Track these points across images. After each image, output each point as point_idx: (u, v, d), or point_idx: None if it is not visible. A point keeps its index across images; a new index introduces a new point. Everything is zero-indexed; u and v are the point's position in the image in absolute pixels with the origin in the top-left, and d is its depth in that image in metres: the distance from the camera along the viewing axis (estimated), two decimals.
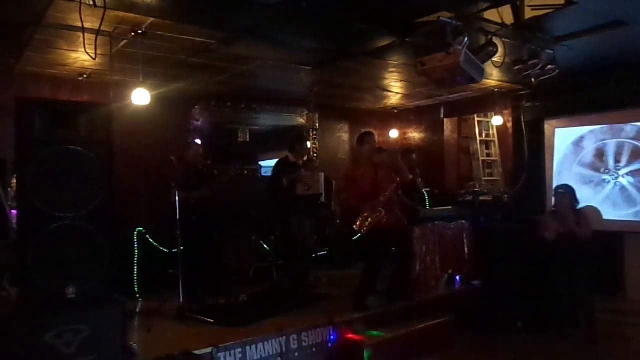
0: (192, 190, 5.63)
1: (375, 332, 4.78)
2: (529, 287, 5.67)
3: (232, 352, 4.06)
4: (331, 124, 9.14)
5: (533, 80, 5.56)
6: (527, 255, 5.74)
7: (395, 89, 7.80)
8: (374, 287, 5.33)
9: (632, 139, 6.66)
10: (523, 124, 7.80)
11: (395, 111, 9.62)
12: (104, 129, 3.61)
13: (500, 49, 4.75)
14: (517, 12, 4.60)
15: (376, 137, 5.94)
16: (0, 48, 5.13)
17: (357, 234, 6.90)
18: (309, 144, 8.56)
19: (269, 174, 6.74)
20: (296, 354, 4.43)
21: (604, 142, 6.95)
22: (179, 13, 4.35)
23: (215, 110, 7.62)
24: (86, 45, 4.10)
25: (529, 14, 4.63)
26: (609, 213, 6.81)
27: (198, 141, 6.79)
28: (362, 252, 6.31)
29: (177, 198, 5.17)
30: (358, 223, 5.18)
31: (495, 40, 4.70)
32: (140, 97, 5.17)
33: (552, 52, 5.26)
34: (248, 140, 8.07)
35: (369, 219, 5.13)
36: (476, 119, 9.18)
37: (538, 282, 5.64)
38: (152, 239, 6.20)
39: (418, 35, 4.92)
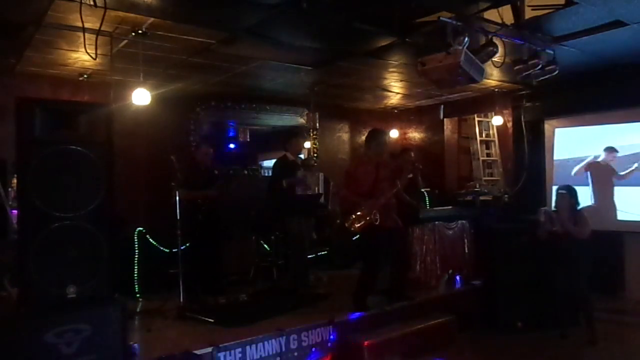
0: (199, 189, 5.63)
1: None
2: (528, 287, 5.67)
3: (232, 351, 4.07)
4: (331, 124, 9.14)
5: (533, 80, 5.55)
6: (527, 255, 5.74)
7: (395, 89, 7.80)
8: (373, 287, 5.32)
9: None
10: (523, 124, 7.80)
11: (395, 111, 9.62)
12: (104, 129, 3.59)
13: (500, 49, 4.75)
14: (517, 12, 4.59)
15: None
16: (0, 48, 5.13)
17: (357, 234, 6.93)
18: (308, 144, 8.57)
19: (270, 174, 6.72)
20: (295, 353, 4.43)
21: None
22: (179, 13, 4.35)
23: (215, 110, 7.63)
24: (86, 45, 4.11)
25: (529, 14, 4.63)
26: None
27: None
28: (361, 252, 6.31)
29: (177, 198, 5.17)
30: (351, 220, 5.15)
31: (495, 40, 4.70)
32: (141, 97, 5.18)
33: (552, 52, 5.26)
34: (248, 140, 8.07)
35: (362, 219, 5.10)
36: (476, 119, 9.19)
37: (538, 282, 5.64)
38: (152, 239, 6.20)
39: (418, 35, 4.93)
